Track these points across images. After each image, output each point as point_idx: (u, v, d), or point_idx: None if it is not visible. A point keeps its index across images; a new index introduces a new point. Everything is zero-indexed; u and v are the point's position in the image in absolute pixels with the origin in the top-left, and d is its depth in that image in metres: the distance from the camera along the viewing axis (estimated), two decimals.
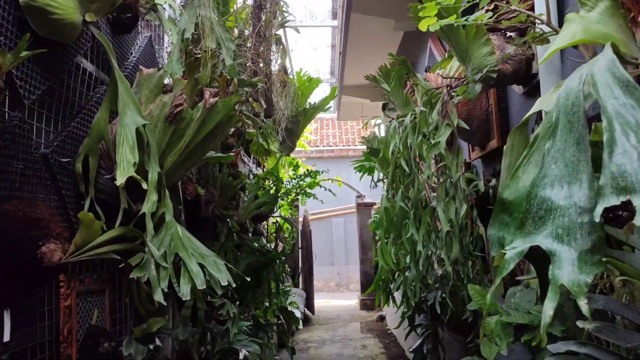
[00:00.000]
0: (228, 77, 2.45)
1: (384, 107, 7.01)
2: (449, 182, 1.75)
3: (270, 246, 5.91)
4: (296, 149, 10.14)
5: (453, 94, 1.91)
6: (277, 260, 3.61)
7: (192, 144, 1.53)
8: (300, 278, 8.60)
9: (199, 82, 1.89)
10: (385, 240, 2.47)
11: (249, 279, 2.99)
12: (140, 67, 1.74)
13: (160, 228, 1.42)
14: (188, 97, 1.62)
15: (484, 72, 1.73)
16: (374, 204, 9.13)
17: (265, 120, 4.48)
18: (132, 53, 2.16)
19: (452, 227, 1.71)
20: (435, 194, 2.45)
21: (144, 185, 1.39)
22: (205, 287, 1.38)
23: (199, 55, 2.16)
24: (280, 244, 5.36)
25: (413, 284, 2.40)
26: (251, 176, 4.55)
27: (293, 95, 4.38)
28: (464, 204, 1.71)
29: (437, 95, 2.02)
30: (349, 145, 14.11)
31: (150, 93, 1.58)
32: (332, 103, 9.17)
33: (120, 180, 1.33)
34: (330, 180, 7.69)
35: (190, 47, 2.23)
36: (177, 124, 1.48)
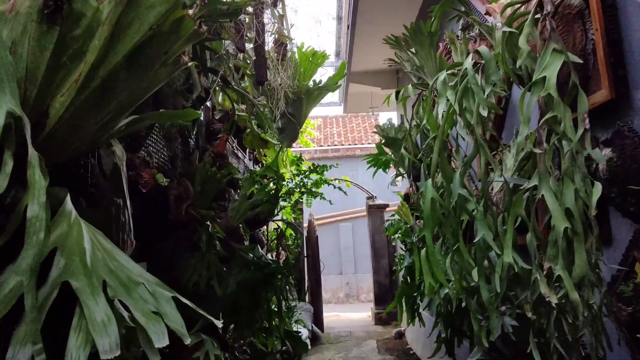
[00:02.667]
0: None
1: (398, 94, 6.27)
2: (563, 147, 1.06)
3: (272, 256, 5.20)
4: (299, 147, 9.42)
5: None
6: (280, 275, 2.90)
7: (103, 70, 0.83)
8: (307, 289, 7.87)
9: None
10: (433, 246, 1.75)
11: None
12: None
13: (35, 232, 0.73)
14: None
15: None
16: (387, 205, 8.41)
17: (257, 96, 3.78)
18: None
19: (574, 223, 1.01)
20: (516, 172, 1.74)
21: None
22: (118, 347, 0.69)
23: None
24: (283, 253, 4.65)
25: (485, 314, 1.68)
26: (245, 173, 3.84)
27: (294, 72, 3.67)
28: (595, 183, 1.01)
29: (522, 15, 1.31)
30: (356, 144, 13.40)
31: None
32: (337, 93, 8.46)
33: None
34: (338, 181, 6.98)
35: None
36: (65, 27, 0.80)
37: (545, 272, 1.07)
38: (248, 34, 2.62)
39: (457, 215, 1.61)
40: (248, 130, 4.04)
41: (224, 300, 2.66)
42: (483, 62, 1.58)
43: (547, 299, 1.02)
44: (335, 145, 13.43)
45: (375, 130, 5.03)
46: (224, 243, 2.88)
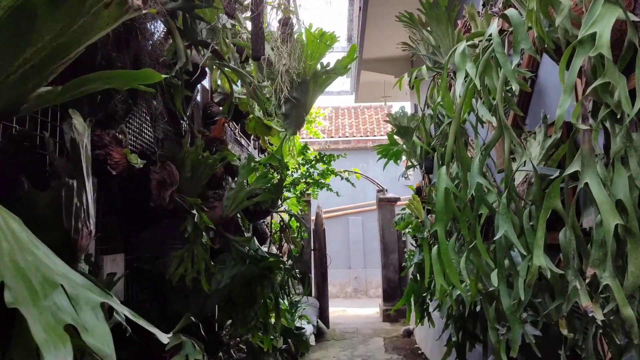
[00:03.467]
0: None
1: (411, 79, 6.01)
2: (612, 125, 0.84)
3: (275, 249, 5.02)
4: (308, 137, 9.21)
5: None
6: (279, 268, 2.71)
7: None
8: (313, 285, 7.70)
9: None
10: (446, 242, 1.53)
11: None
12: None
13: None
14: None
15: None
16: (398, 199, 8.18)
17: (262, 80, 3.58)
18: None
19: (627, 220, 0.79)
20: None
21: None
22: None
23: None
24: (286, 245, 4.46)
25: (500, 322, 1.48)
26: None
27: (300, 53, 3.45)
28: None
29: None
30: (367, 136, 13.14)
31: None
32: (349, 81, 8.22)
33: None
34: (347, 173, 6.76)
35: None
36: None
37: (587, 280, 0.86)
38: (244, 2, 2.42)
39: (474, 209, 1.39)
40: (251, 115, 3.84)
41: (217, 295, 2.48)
42: (510, 29, 1.36)
43: (590, 314, 0.81)
44: (347, 136, 13.19)
45: (386, 119, 4.80)
46: (218, 234, 2.71)
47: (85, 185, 1.11)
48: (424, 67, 2.50)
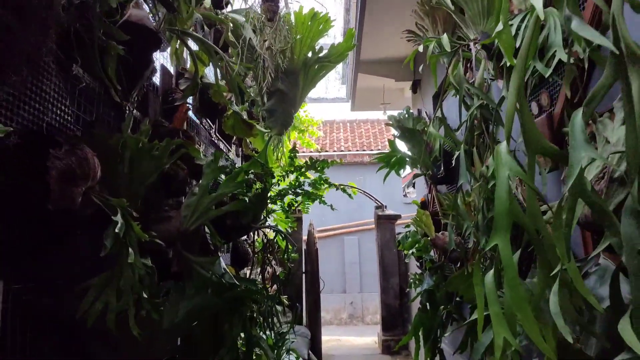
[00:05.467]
0: None
1: (415, 86, 5.49)
2: None
3: (257, 273, 4.42)
4: (301, 149, 8.64)
5: None
6: (253, 299, 2.13)
7: None
8: (304, 311, 7.06)
9: None
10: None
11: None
12: None
13: None
14: None
15: None
16: (399, 216, 7.62)
17: (245, 73, 3.05)
18: None
19: None
20: None
21: None
22: None
23: None
24: (271, 268, 3.87)
25: None
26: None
27: (287, 34, 2.93)
28: None
29: None
30: (364, 150, 12.64)
31: None
32: (345, 88, 7.73)
33: None
34: (342, 188, 6.18)
35: None
36: None
37: None
38: None
39: (567, 205, 0.83)
40: (229, 111, 3.29)
41: (167, 337, 1.89)
42: None
43: None
44: (342, 150, 12.68)
45: (388, 122, 4.27)
46: (176, 254, 2.12)
47: None
48: (444, 36, 1.97)
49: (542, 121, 1.92)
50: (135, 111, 2.04)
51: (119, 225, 1.23)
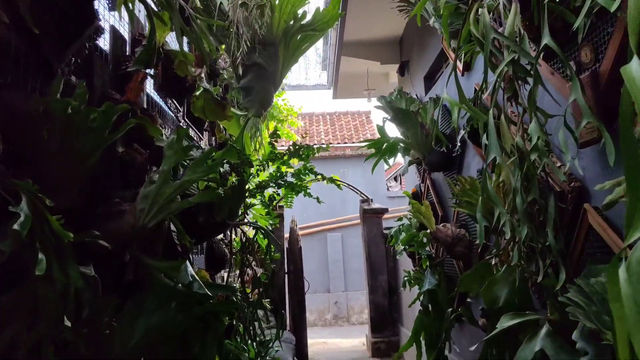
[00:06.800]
0: None
1: (403, 68, 5.14)
2: None
3: (236, 276, 4.03)
4: (280, 140, 8.23)
5: None
6: (230, 312, 1.75)
7: None
8: (288, 315, 6.68)
9: None
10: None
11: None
12: None
13: None
14: None
15: None
16: (386, 210, 7.29)
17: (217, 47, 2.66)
18: None
19: None
20: None
21: None
22: None
23: None
24: (251, 269, 3.48)
25: None
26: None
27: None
28: None
29: None
30: (346, 143, 12.30)
31: None
32: (325, 75, 7.34)
33: None
34: (326, 181, 5.81)
35: None
36: None
37: None
38: None
39: None
40: (198, 90, 2.88)
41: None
42: None
43: None
44: (323, 144, 12.31)
45: (378, 104, 3.91)
46: (133, 258, 1.72)
47: None
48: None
49: (584, 81, 1.58)
50: (74, 78, 1.63)
51: (21, 219, 0.83)
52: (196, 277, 1.53)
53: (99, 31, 1.81)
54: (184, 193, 1.96)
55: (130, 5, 1.75)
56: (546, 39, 1.35)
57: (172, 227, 2.20)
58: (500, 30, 1.62)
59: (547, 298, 1.53)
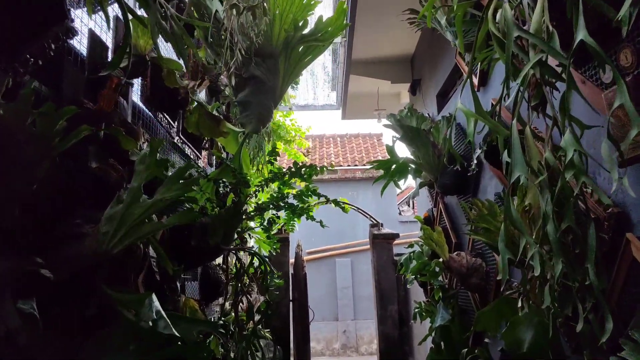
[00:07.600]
0: None
1: (414, 86, 4.94)
2: None
3: (229, 304, 3.78)
4: (289, 160, 8.04)
5: None
6: (203, 357, 1.51)
7: None
8: (292, 345, 6.37)
9: None
10: None
11: None
12: None
13: None
14: None
15: None
16: (397, 235, 7.01)
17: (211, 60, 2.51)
18: None
19: None
20: None
21: None
22: None
23: None
24: (246, 298, 3.24)
25: None
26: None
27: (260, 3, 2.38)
28: None
29: None
30: (356, 165, 12.08)
31: None
32: (335, 95, 7.18)
33: None
34: (333, 203, 5.57)
35: None
36: None
37: None
38: None
39: None
40: (192, 104, 2.71)
41: None
42: None
43: None
44: (331, 165, 12.11)
45: (386, 122, 3.71)
46: (97, 290, 1.51)
47: None
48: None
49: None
50: (35, 82, 1.44)
51: None
52: (162, 313, 1.30)
53: (71, 32, 1.63)
54: (160, 213, 1.75)
55: (103, 4, 1.58)
56: (582, 34, 1.13)
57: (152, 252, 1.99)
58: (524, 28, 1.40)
59: (584, 347, 1.28)
